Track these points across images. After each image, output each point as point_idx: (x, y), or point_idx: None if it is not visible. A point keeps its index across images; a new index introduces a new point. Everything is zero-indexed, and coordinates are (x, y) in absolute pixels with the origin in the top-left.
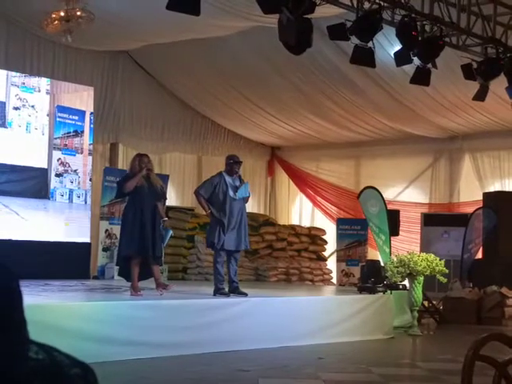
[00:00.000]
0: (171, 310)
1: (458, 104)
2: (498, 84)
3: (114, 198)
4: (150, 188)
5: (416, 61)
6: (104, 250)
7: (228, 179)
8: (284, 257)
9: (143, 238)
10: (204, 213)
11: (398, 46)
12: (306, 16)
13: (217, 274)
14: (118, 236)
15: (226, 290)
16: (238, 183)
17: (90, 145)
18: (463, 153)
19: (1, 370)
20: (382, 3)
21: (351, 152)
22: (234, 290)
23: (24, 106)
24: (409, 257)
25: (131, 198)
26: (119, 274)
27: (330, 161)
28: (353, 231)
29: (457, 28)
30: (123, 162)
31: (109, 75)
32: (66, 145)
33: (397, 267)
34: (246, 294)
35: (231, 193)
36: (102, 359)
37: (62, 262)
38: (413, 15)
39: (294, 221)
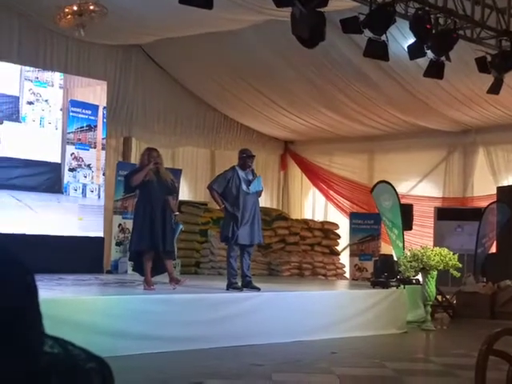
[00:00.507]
0: (184, 305)
1: (472, 97)
2: None
3: (124, 193)
4: (159, 182)
5: (429, 54)
6: (117, 244)
7: (241, 173)
8: (297, 251)
9: (153, 233)
10: (217, 207)
11: (411, 39)
12: (318, 9)
13: (230, 268)
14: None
15: (239, 284)
16: (250, 177)
17: (103, 139)
18: (477, 146)
19: (17, 365)
20: None
21: (364, 146)
22: (247, 285)
23: (37, 100)
24: (422, 251)
25: (141, 193)
26: (133, 270)
27: (343, 155)
28: (366, 225)
29: (471, 21)
30: (136, 157)
31: (122, 69)
32: (79, 139)
33: (410, 262)
34: (258, 289)
35: (244, 187)
36: (116, 353)
37: (75, 256)
38: (426, 8)
39: (307, 215)
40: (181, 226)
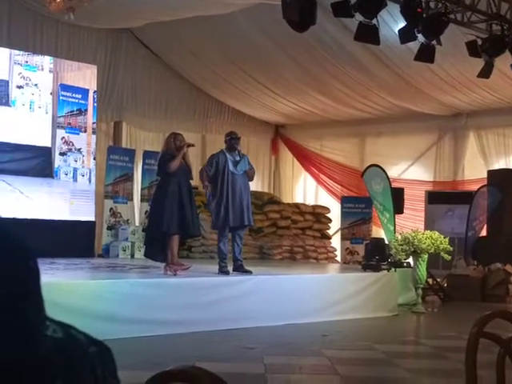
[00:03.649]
0: (176, 288)
1: (463, 81)
2: (503, 61)
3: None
4: (185, 166)
5: (420, 38)
6: (108, 228)
7: (228, 155)
8: (288, 235)
9: (184, 216)
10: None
11: (402, 23)
12: None
13: (219, 251)
14: (149, 214)
15: (229, 268)
16: (238, 158)
17: (93, 123)
18: (468, 130)
19: (20, 348)
20: None
21: (355, 130)
22: (239, 268)
23: (27, 84)
24: (413, 235)
25: (169, 176)
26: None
27: (334, 139)
28: (357, 209)
29: (461, 4)
30: (127, 141)
31: (112, 53)
32: (69, 123)
33: (401, 245)
34: (250, 272)
35: (232, 168)
36: (107, 337)
37: (66, 240)
38: None
39: (298, 199)
40: None
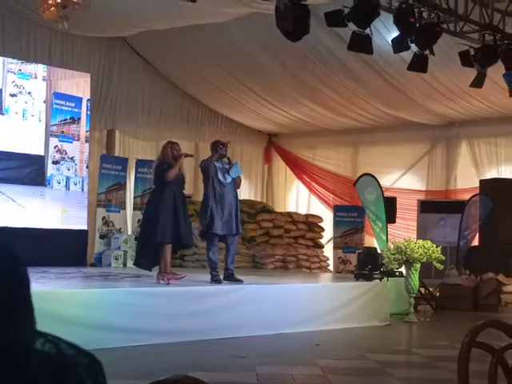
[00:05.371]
0: (168, 297)
1: (455, 91)
2: (495, 71)
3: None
4: (180, 176)
5: (413, 47)
6: (101, 237)
7: (217, 164)
8: (281, 244)
9: (179, 226)
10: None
11: (395, 33)
12: (303, 2)
13: (209, 261)
14: (142, 223)
15: (221, 276)
16: (227, 166)
17: (86, 132)
18: (460, 139)
19: (5, 361)
20: None
21: (348, 139)
22: (229, 277)
23: (21, 92)
24: (405, 244)
25: (164, 186)
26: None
27: (326, 148)
28: (350, 218)
29: (454, 14)
30: (120, 149)
31: (106, 62)
32: (62, 132)
33: (393, 254)
34: (241, 281)
35: (221, 177)
36: (100, 346)
37: (58, 249)
38: (410, 1)
39: (291, 208)
40: None
